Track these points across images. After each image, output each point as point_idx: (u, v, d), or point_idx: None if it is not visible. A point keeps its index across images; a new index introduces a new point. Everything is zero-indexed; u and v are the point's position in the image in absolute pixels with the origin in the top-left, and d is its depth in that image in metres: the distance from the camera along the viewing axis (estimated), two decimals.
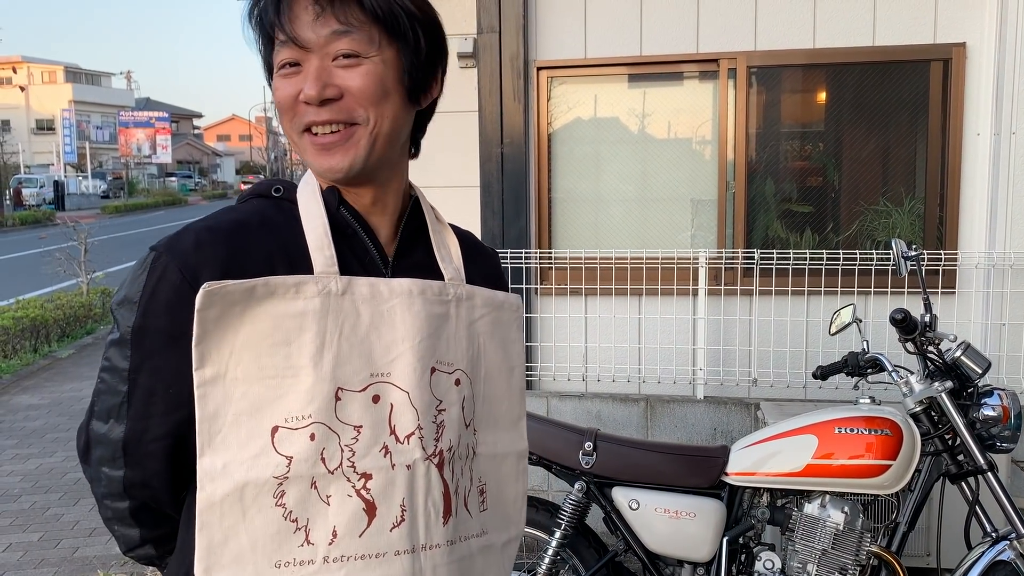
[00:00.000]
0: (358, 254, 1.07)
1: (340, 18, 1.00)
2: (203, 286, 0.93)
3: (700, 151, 4.60)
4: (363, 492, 0.98)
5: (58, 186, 38.11)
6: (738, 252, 4.29)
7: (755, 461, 2.67)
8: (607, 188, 4.62)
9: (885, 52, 4.21)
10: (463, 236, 1.23)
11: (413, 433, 1.01)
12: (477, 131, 4.43)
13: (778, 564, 2.64)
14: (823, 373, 2.85)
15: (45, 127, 58.30)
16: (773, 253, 4.16)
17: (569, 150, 4.61)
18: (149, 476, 1.04)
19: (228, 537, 0.95)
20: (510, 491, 1.19)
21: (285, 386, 0.96)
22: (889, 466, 2.53)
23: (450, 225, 1.22)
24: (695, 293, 4.21)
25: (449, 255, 1.15)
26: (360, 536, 0.97)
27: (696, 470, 2.74)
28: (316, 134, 1.03)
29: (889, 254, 2.89)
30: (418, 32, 1.05)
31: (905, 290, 3.93)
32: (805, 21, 4.25)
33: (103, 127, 59.10)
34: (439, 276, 1.11)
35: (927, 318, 2.67)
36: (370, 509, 0.98)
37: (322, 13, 1.00)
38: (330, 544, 0.96)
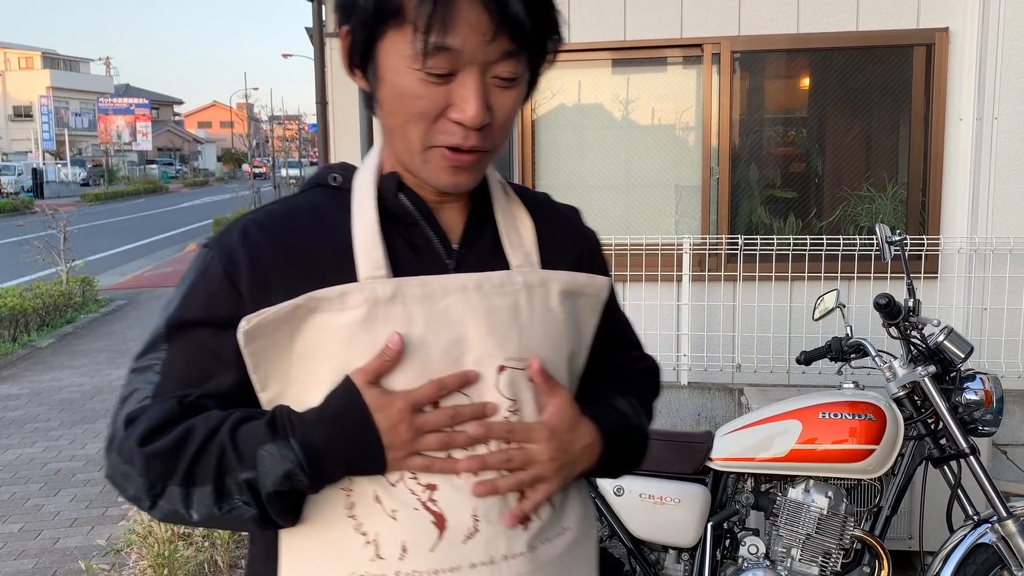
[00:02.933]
0: (418, 246, 1.00)
1: (515, 38, 0.90)
2: (240, 324, 0.90)
3: (684, 137, 4.58)
4: (429, 504, 0.93)
5: (36, 174, 37.67)
6: (722, 238, 4.29)
7: (739, 447, 2.67)
8: (591, 174, 4.60)
9: (868, 37, 4.21)
10: (543, 210, 1.11)
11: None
12: None
13: (762, 549, 2.65)
14: (807, 358, 2.86)
15: (23, 114, 57.60)
16: (757, 239, 4.16)
17: (553, 136, 4.59)
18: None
19: (308, 547, 0.95)
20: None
21: None
22: (872, 451, 2.54)
23: (528, 192, 1.12)
24: (679, 279, 4.20)
25: (519, 238, 1.05)
26: (432, 550, 0.92)
27: (680, 456, 2.73)
28: (451, 151, 0.94)
29: (873, 239, 2.89)
30: (552, 52, 0.99)
31: (888, 275, 3.94)
32: (789, 6, 4.24)
33: (82, 114, 58.46)
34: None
35: (910, 303, 2.68)
36: (439, 521, 0.93)
37: (498, 32, 0.89)
38: (400, 559, 0.92)
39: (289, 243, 0.96)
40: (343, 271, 0.94)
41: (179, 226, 23.52)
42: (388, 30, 0.90)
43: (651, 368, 1.24)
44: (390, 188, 1.00)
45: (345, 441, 0.90)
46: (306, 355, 0.93)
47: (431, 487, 0.93)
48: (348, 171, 1.04)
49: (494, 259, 1.02)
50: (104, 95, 55.41)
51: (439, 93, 0.90)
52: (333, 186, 1.03)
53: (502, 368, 0.95)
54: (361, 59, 0.95)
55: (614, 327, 1.17)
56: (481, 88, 0.90)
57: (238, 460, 0.90)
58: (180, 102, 78.18)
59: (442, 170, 0.95)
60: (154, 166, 54.83)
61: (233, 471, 0.90)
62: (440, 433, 0.92)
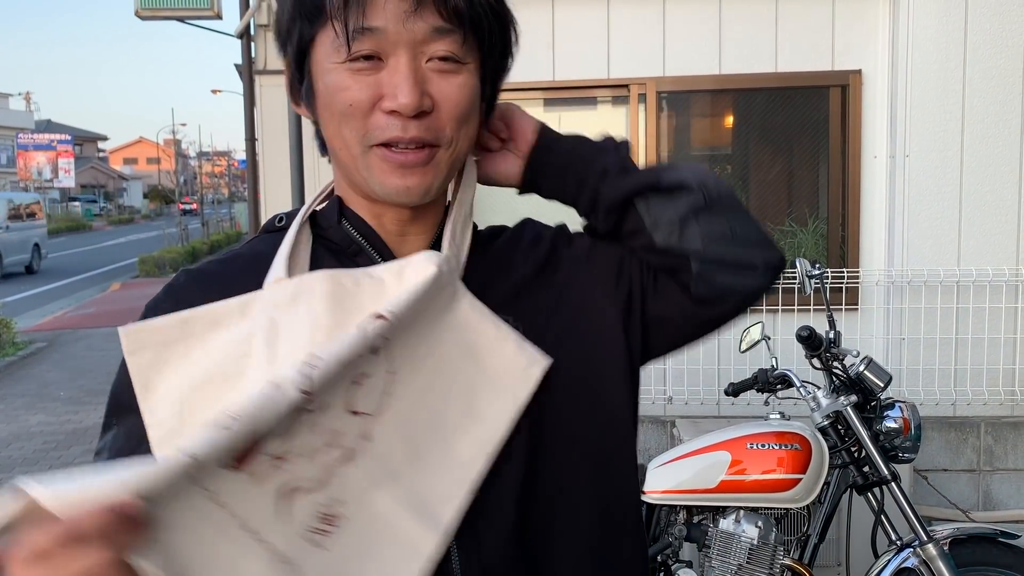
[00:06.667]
0: None
1: (443, 12, 0.81)
2: (122, 328, 0.78)
3: None
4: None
5: None
6: None
7: (671, 479, 2.70)
8: (523, 212, 4.64)
9: (787, 78, 4.37)
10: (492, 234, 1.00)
11: None
12: None
13: None
14: (735, 390, 2.91)
15: None
16: None
17: None
18: None
19: None
20: None
21: None
22: (799, 480, 2.60)
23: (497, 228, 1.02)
24: None
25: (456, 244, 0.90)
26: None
27: None
28: (393, 149, 0.83)
29: (795, 273, 2.99)
30: (508, 38, 0.91)
31: (811, 307, 4.06)
32: (711, 48, 4.38)
33: (0, 150, 56.63)
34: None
35: (831, 335, 2.76)
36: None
37: (421, 4, 0.80)
38: None
39: (220, 288, 0.84)
40: None
41: (102, 265, 22.85)
42: (315, 34, 0.83)
43: None
44: (331, 215, 0.90)
45: None
46: (205, 386, 0.78)
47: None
48: (295, 212, 0.94)
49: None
50: (24, 131, 53.75)
51: (368, 83, 0.81)
52: (278, 227, 0.93)
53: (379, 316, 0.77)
54: (300, 82, 0.88)
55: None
56: (413, 71, 0.81)
57: None
58: (105, 138, 76.26)
59: (385, 172, 0.84)
60: (77, 203, 53.32)
61: None
62: None
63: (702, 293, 0.94)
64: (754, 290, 0.98)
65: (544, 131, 0.98)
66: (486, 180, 0.99)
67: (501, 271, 0.93)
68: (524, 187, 0.99)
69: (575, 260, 0.97)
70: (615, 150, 0.96)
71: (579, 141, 0.97)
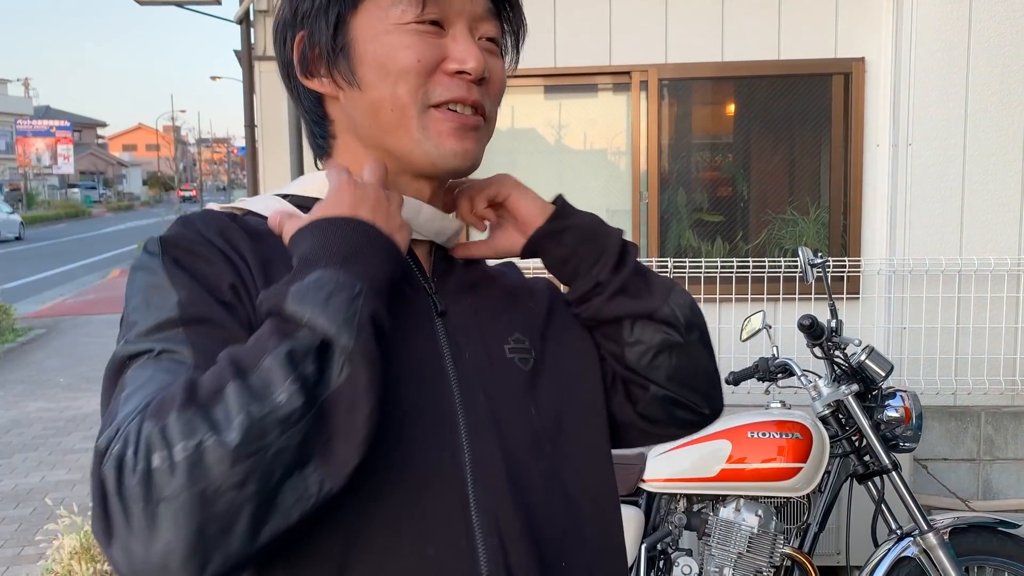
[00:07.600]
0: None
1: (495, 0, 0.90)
2: None
3: (615, 161, 4.65)
4: None
5: None
6: (652, 261, 4.35)
7: (671, 468, 2.70)
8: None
9: (790, 66, 4.34)
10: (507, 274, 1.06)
11: None
12: None
13: (696, 569, 2.67)
14: (735, 379, 2.91)
15: None
16: (686, 262, 4.23)
17: (486, 161, 4.58)
18: None
19: None
20: None
21: None
22: (800, 469, 2.60)
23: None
24: None
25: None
26: None
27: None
28: (453, 111, 0.86)
29: (796, 262, 2.97)
30: (518, 52, 0.98)
31: (812, 296, 4.04)
32: (713, 35, 4.36)
33: None
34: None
35: (833, 323, 2.76)
36: None
37: None
38: None
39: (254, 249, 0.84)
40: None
41: (102, 252, 22.83)
42: (362, 1, 0.85)
43: None
44: None
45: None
46: None
47: None
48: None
49: (477, 290, 0.95)
50: (22, 117, 53.61)
51: (433, 44, 0.85)
52: None
53: None
54: (328, 53, 0.86)
55: None
56: (474, 41, 0.87)
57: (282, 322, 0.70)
58: (104, 124, 76.02)
59: (443, 134, 0.86)
60: (76, 190, 53.23)
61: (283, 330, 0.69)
62: None
63: (645, 413, 1.00)
64: (691, 429, 1.06)
65: (554, 217, 0.98)
66: (488, 256, 1.01)
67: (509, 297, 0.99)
68: (522, 254, 1.00)
69: (570, 318, 1.01)
70: (619, 258, 0.96)
71: (586, 235, 0.97)
